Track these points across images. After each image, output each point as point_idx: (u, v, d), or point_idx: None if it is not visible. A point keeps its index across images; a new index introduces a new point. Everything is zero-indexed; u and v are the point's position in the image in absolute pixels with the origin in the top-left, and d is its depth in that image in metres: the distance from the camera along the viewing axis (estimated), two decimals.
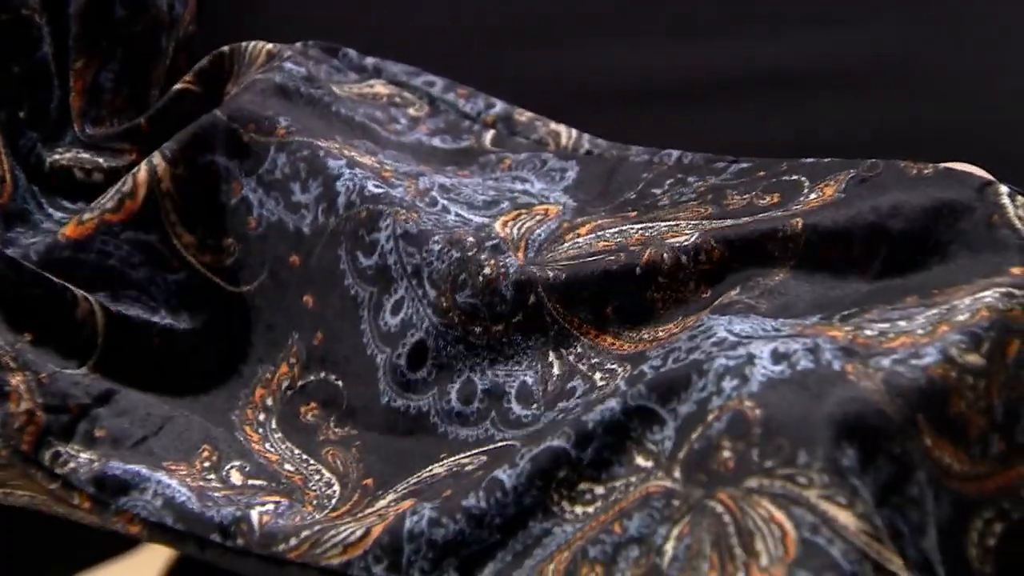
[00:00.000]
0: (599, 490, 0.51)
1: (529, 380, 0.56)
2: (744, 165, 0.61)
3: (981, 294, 0.50)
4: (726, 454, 0.47)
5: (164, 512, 0.56)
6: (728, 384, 0.48)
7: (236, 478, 0.58)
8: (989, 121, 0.72)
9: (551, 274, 0.55)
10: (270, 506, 0.55)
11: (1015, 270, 0.51)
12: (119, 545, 0.81)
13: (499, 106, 0.66)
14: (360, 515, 0.54)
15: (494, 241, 0.57)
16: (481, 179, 0.63)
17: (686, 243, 0.54)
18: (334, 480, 0.58)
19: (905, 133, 0.63)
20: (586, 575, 0.49)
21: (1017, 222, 0.52)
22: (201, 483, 0.57)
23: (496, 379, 0.56)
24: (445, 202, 0.60)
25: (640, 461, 0.50)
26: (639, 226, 0.57)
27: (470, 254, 0.57)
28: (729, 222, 0.56)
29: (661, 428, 0.49)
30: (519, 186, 0.62)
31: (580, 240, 0.58)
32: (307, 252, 0.60)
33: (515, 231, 0.58)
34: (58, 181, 0.64)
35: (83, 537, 0.77)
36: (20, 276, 0.59)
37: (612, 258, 0.55)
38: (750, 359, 0.48)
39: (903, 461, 0.47)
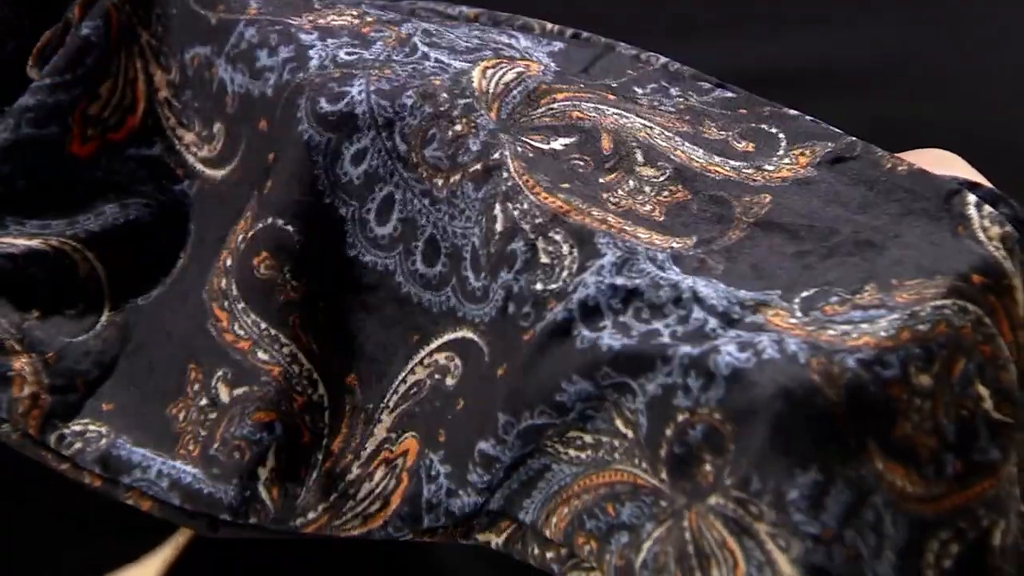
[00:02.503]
0: (588, 439, 0.51)
1: (477, 241, 0.55)
2: (728, 95, 0.61)
3: (942, 302, 0.49)
4: (708, 468, 0.47)
5: (171, 493, 0.56)
6: (694, 383, 0.48)
7: (223, 393, 0.58)
8: (989, 121, 0.72)
9: (519, 148, 0.55)
10: (271, 461, 0.55)
11: (976, 277, 0.51)
12: (114, 550, 0.81)
13: (481, 9, 0.65)
14: (363, 455, 0.55)
15: (467, 100, 0.56)
16: (467, 29, 0.62)
17: (654, 177, 0.55)
18: (316, 374, 0.57)
19: (905, 133, 0.63)
20: (582, 544, 0.50)
21: (981, 234, 0.52)
22: (201, 432, 0.57)
23: (455, 240, 0.56)
24: (425, 48, 0.59)
25: (620, 426, 0.50)
26: (615, 110, 0.57)
27: (442, 109, 0.56)
28: (701, 156, 0.56)
29: (633, 398, 0.49)
30: (504, 39, 0.62)
31: (555, 106, 0.57)
32: (273, 111, 0.59)
33: (492, 84, 0.57)
34: None
35: (80, 539, 0.78)
36: (15, 262, 0.59)
37: (580, 162, 0.55)
38: (715, 349, 0.48)
39: (859, 485, 0.47)
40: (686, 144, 0.56)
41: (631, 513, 0.49)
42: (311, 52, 0.58)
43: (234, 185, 0.61)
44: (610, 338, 0.50)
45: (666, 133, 0.57)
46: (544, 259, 0.53)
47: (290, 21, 0.60)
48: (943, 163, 0.59)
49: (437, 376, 0.55)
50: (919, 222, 0.53)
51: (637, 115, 0.57)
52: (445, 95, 0.56)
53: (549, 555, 0.52)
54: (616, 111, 0.57)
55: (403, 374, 0.56)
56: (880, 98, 0.71)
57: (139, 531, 0.80)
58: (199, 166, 0.62)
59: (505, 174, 0.54)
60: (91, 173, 0.62)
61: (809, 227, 0.53)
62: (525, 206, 0.54)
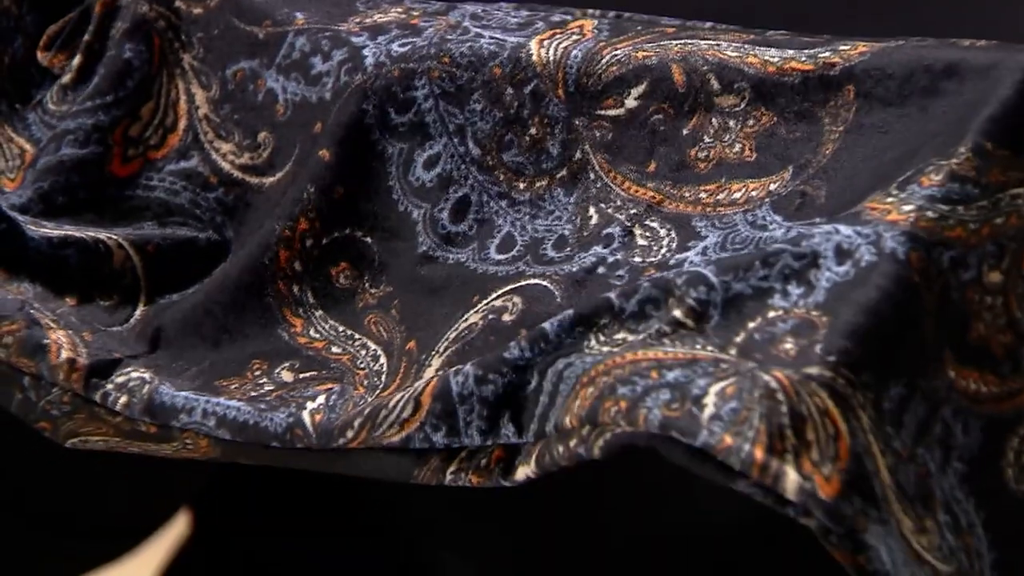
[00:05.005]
0: (631, 338, 0.50)
1: (566, 233, 0.56)
2: (782, 31, 0.60)
3: (1018, 190, 0.49)
4: (788, 346, 0.46)
5: (220, 430, 0.56)
6: (794, 289, 0.48)
7: (287, 376, 0.59)
8: None
9: (598, 134, 0.56)
10: (321, 398, 0.56)
11: None
12: (114, 549, 0.82)
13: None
14: (409, 387, 0.54)
15: (532, 84, 0.57)
16: (513, 8, 0.63)
17: (735, 107, 0.54)
18: (380, 351, 0.58)
19: None
20: (608, 407, 0.47)
21: None
22: (252, 392, 0.58)
23: (536, 234, 0.57)
24: (478, 29, 0.60)
25: (677, 313, 0.49)
26: (677, 41, 0.57)
27: (512, 112, 0.57)
28: (775, 55, 0.55)
29: (708, 290, 0.49)
30: (553, 14, 0.62)
31: (618, 52, 0.57)
32: (328, 113, 0.60)
33: (551, 52, 0.58)
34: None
35: (57, 546, 0.78)
36: (50, 243, 0.60)
37: (658, 115, 0.55)
38: (814, 259, 0.48)
39: (932, 399, 0.47)
40: (757, 48, 0.56)
41: (678, 375, 0.47)
42: (365, 51, 0.60)
43: (285, 189, 0.62)
44: (706, 265, 0.50)
45: (734, 44, 0.56)
46: (642, 242, 0.54)
47: (338, 27, 0.61)
48: None
49: (492, 316, 0.55)
50: (1009, 78, 0.51)
51: (701, 38, 0.57)
52: (511, 91, 0.57)
53: (572, 443, 0.49)
54: (679, 41, 0.57)
55: (457, 323, 0.56)
56: None
57: (116, 534, 0.81)
58: (237, 173, 0.64)
59: (592, 175, 0.56)
60: (131, 191, 0.64)
61: (900, 116, 0.52)
62: (618, 203, 0.55)
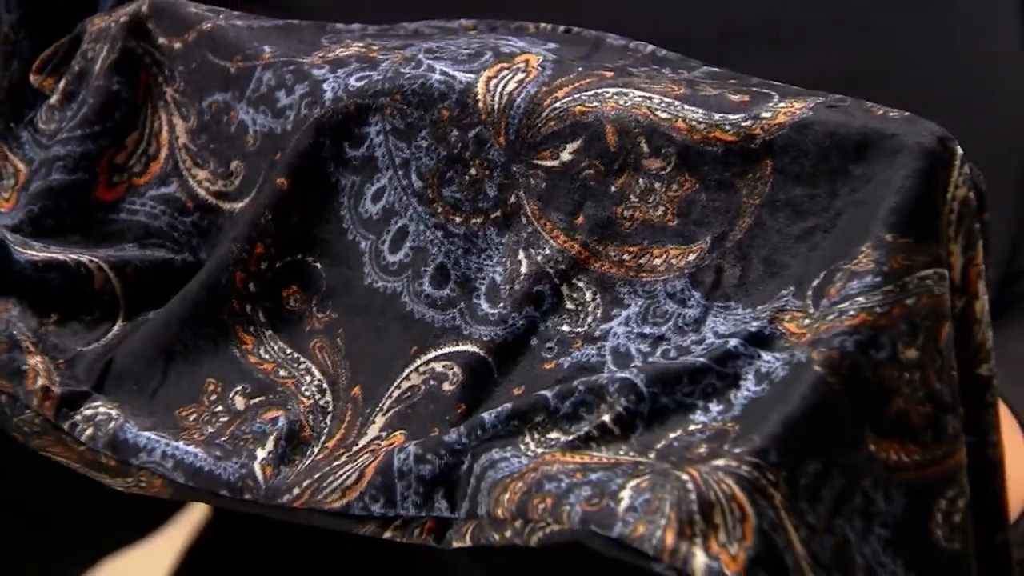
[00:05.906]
0: (563, 439, 0.54)
1: (498, 278, 0.59)
2: (715, 70, 0.64)
3: (926, 272, 0.52)
4: (702, 450, 0.50)
5: (176, 473, 0.60)
6: (714, 407, 0.52)
7: (240, 403, 0.62)
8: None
9: (532, 182, 0.59)
10: (270, 445, 0.59)
11: (952, 247, 0.54)
12: (114, 546, 0.82)
13: (477, 20, 0.70)
14: (355, 449, 0.58)
15: (476, 129, 0.61)
16: (467, 39, 0.67)
17: (661, 170, 0.58)
18: (325, 384, 0.61)
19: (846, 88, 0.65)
20: (536, 504, 0.51)
21: (951, 190, 0.54)
22: (210, 428, 0.61)
23: (468, 272, 0.60)
24: (430, 62, 0.63)
25: (606, 419, 0.53)
26: (614, 90, 0.60)
27: (455, 152, 0.61)
28: (701, 119, 0.58)
29: (638, 401, 0.53)
30: (503, 42, 0.66)
31: (558, 105, 0.60)
32: (287, 143, 0.63)
33: (496, 98, 0.61)
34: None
35: (51, 539, 0.79)
36: (35, 267, 0.64)
37: (590, 171, 0.59)
38: (735, 380, 0.52)
39: (851, 473, 0.50)
40: (686, 108, 0.58)
41: (600, 476, 0.51)
42: (324, 85, 0.63)
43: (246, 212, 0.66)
44: (638, 374, 0.53)
45: (665, 100, 0.59)
46: (569, 305, 0.58)
47: (302, 60, 0.65)
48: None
49: (432, 382, 0.59)
50: (912, 164, 0.54)
51: (635, 88, 0.60)
52: (456, 133, 0.61)
53: (508, 533, 0.53)
54: (616, 89, 0.60)
55: (398, 380, 0.59)
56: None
57: (110, 525, 0.81)
58: (211, 199, 0.67)
59: (524, 220, 0.59)
60: (114, 215, 0.68)
61: (811, 196, 0.55)
62: (547, 251, 0.58)
